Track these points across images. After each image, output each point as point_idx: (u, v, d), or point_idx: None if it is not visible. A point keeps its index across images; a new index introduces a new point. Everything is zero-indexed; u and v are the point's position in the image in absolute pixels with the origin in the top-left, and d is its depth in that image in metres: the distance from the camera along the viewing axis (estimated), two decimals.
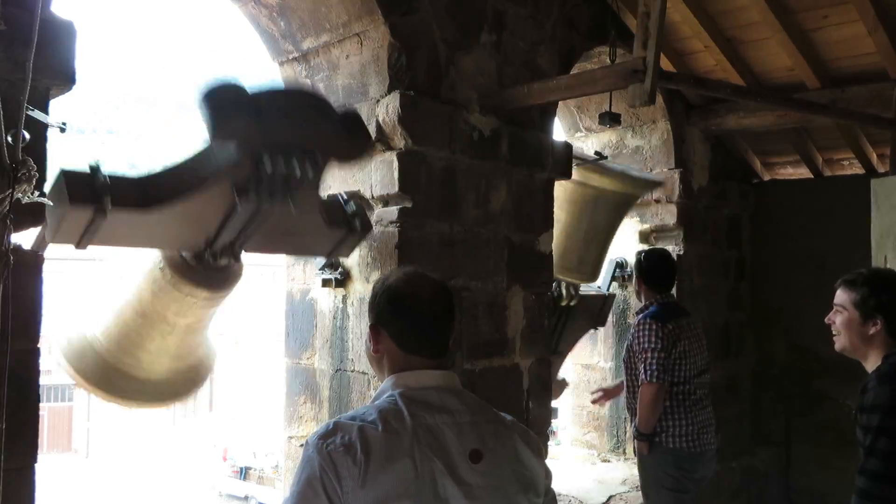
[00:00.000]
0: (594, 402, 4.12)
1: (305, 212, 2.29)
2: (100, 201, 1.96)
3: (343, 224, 2.53)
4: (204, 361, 2.84)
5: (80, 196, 1.95)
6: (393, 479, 1.33)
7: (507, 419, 1.53)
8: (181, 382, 2.76)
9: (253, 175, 2.07)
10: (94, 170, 2.01)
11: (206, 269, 2.42)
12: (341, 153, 2.33)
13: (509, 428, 1.50)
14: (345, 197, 2.60)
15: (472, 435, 1.43)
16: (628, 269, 4.76)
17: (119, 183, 2.04)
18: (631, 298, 4.76)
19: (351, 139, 2.29)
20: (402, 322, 1.50)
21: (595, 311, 4.42)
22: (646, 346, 3.26)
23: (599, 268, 4.28)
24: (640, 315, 3.44)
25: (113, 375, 2.55)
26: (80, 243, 2.14)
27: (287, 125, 2.09)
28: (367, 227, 2.59)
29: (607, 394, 4.06)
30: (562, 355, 4.22)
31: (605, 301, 4.48)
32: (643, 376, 3.27)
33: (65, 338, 2.60)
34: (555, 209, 3.60)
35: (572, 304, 4.03)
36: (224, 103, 1.94)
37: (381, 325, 1.51)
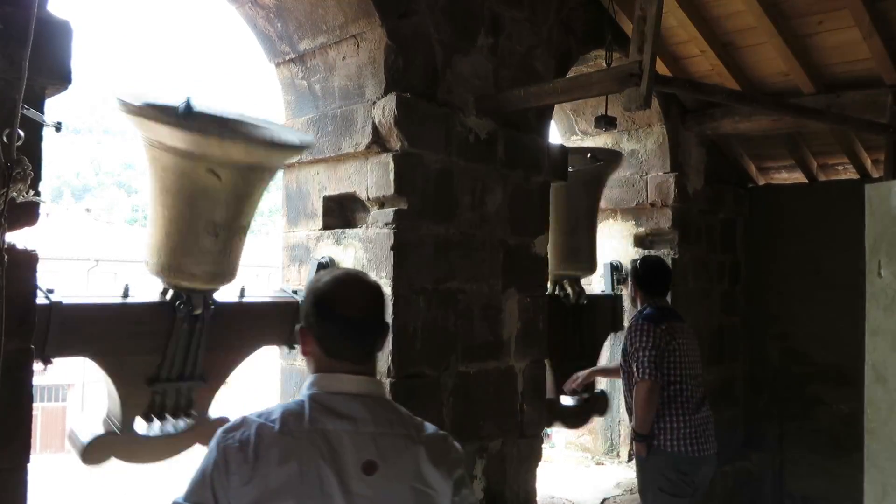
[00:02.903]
0: (569, 389, 3.98)
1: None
2: None
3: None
4: None
5: None
6: (277, 479, 1.35)
7: (422, 434, 1.49)
8: None
9: None
10: None
11: None
12: None
13: (417, 444, 1.46)
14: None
15: (371, 446, 1.41)
16: (623, 273, 4.77)
17: None
18: (625, 302, 4.77)
19: None
20: (325, 326, 1.48)
21: (608, 313, 4.43)
22: (638, 345, 3.33)
23: (594, 256, 4.20)
24: (635, 317, 3.50)
25: None
26: None
27: None
28: None
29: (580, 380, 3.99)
30: (589, 360, 4.12)
31: (614, 301, 4.50)
32: (636, 375, 3.32)
33: None
34: None
35: (582, 302, 4.02)
36: None
37: (307, 327, 1.51)
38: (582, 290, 4.08)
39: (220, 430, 1.42)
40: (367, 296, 1.52)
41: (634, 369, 3.34)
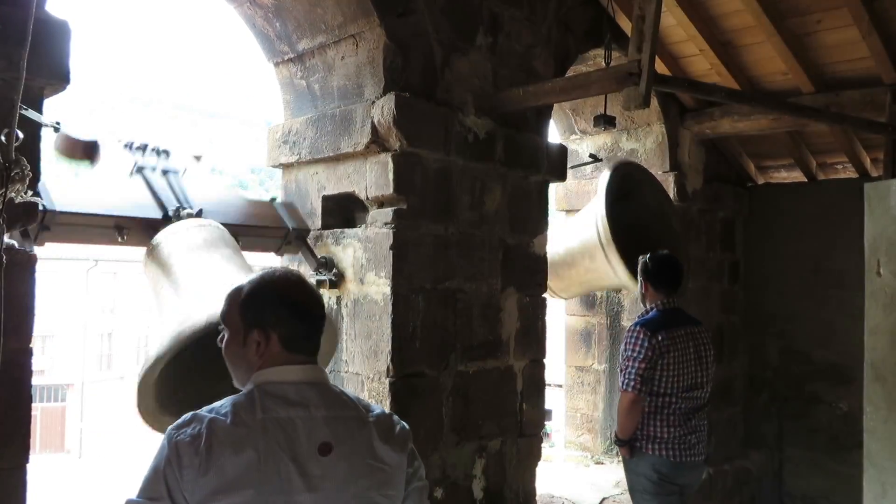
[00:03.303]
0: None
1: None
2: None
3: None
4: None
5: None
6: (235, 469, 1.37)
7: (370, 415, 1.55)
8: None
9: None
10: None
11: None
12: None
13: (367, 424, 1.53)
14: None
15: (325, 429, 1.46)
16: None
17: None
18: (625, 300, 4.77)
19: None
20: (291, 323, 1.51)
21: None
22: (629, 353, 3.20)
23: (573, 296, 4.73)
24: (635, 320, 3.35)
25: None
26: None
27: None
28: None
29: None
30: None
31: None
32: (621, 383, 3.22)
33: None
34: (579, 252, 4.17)
35: None
36: None
37: (269, 326, 1.50)
38: None
39: (170, 427, 1.43)
40: (313, 290, 1.60)
41: (622, 378, 3.23)
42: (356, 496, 1.47)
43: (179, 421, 1.43)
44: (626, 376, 3.18)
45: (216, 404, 1.46)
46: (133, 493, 1.41)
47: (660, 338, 3.17)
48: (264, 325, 1.50)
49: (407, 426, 1.60)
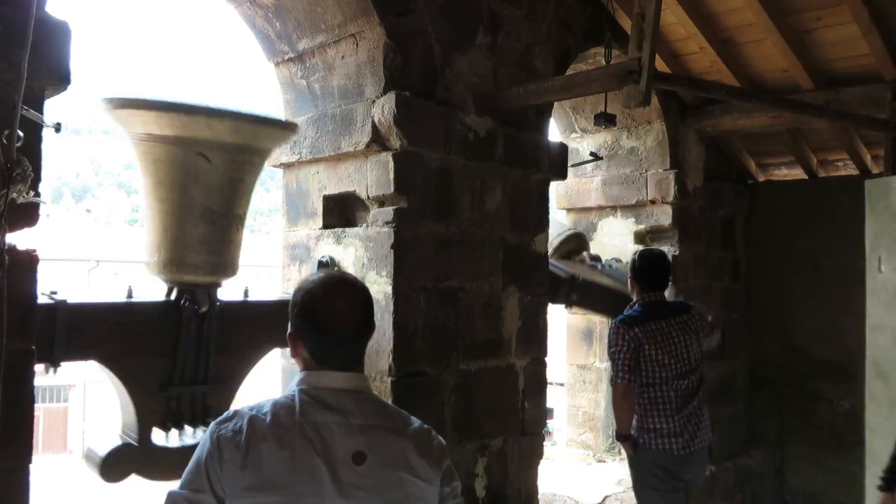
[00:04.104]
0: None
1: None
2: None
3: None
4: None
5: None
6: (269, 468, 1.40)
7: (409, 428, 1.54)
8: None
9: None
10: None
11: None
12: None
13: (404, 436, 1.52)
14: None
15: (360, 438, 1.47)
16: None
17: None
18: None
19: None
20: (316, 339, 1.51)
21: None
22: (613, 349, 3.31)
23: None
24: (616, 318, 3.43)
25: None
26: None
27: None
28: None
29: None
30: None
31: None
32: (612, 377, 3.33)
33: None
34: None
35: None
36: None
37: (297, 333, 1.53)
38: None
39: (213, 423, 1.48)
40: (355, 308, 1.53)
41: (611, 372, 3.33)
42: None
43: (222, 416, 1.48)
44: (615, 368, 3.30)
45: (259, 403, 1.49)
46: (175, 486, 1.45)
47: (636, 330, 3.28)
48: (295, 329, 1.53)
49: (444, 441, 1.59)
